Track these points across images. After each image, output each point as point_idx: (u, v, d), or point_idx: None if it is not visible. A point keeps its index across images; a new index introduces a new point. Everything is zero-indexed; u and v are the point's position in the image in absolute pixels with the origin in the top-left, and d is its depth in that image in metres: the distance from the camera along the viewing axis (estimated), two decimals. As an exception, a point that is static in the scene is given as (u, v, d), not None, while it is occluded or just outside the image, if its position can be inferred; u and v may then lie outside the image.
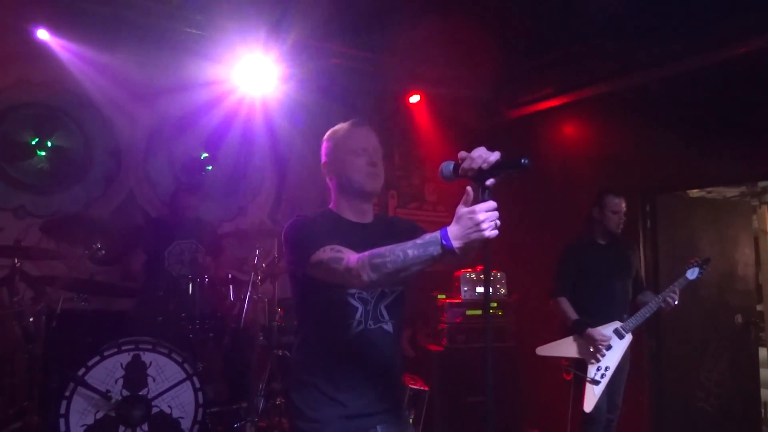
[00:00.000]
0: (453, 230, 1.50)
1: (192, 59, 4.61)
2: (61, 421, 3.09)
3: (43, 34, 4.11)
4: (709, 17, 3.73)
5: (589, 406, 3.48)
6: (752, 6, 3.56)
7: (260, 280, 4.09)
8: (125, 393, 3.25)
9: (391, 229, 1.97)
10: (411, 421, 3.79)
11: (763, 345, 5.23)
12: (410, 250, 1.57)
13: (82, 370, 3.17)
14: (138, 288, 4.17)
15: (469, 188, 1.51)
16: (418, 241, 1.57)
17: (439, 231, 1.53)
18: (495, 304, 4.78)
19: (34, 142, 4.35)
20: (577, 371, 3.57)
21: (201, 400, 3.43)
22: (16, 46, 4.25)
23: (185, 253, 4.24)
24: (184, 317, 3.82)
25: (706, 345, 4.57)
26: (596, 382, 3.51)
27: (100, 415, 3.18)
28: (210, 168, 4.95)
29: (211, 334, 3.93)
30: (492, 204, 1.48)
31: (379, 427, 1.90)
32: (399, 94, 5.40)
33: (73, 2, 4.03)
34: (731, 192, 5.82)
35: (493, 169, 1.48)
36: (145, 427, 3.26)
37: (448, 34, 4.16)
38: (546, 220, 5.12)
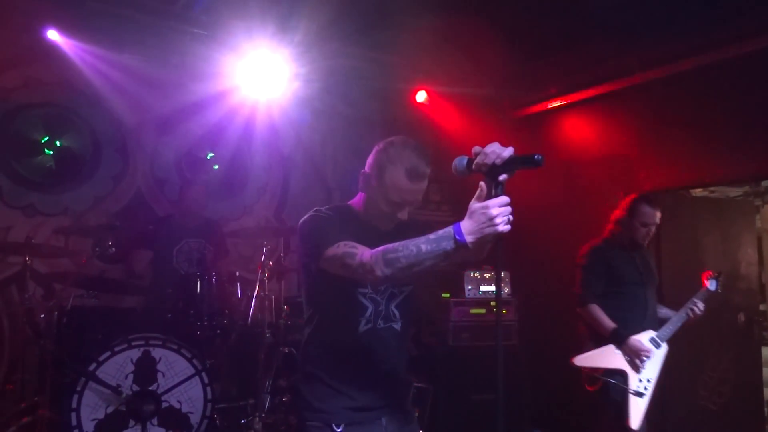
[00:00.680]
0: (466, 225, 1.53)
1: (199, 59, 4.65)
2: (73, 415, 3.12)
3: (53, 35, 4.15)
4: (712, 16, 3.76)
5: (636, 422, 3.19)
6: (755, 5, 3.59)
7: (267, 278, 4.12)
8: (135, 388, 3.29)
9: (406, 232, 1.98)
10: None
11: (766, 344, 5.25)
12: (423, 245, 1.60)
13: (93, 365, 3.21)
14: (146, 285, 4.20)
15: (482, 183, 1.53)
16: (431, 236, 1.60)
17: (452, 226, 1.56)
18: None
19: (43, 141, 4.39)
20: (619, 383, 3.26)
21: (210, 396, 3.47)
22: (27, 47, 4.30)
23: (193, 251, 4.28)
24: (192, 314, 3.85)
25: (710, 344, 4.60)
26: (640, 395, 3.25)
27: (110, 409, 3.22)
28: (217, 167, 4.98)
29: (218, 332, 3.96)
30: (505, 199, 1.50)
31: (383, 419, 1.95)
32: (404, 94, 5.43)
33: (82, 3, 4.07)
34: (734, 191, 5.85)
35: (506, 165, 1.49)
36: (155, 421, 3.30)
37: (454, 32, 4.20)
38: (549, 219, 5.14)
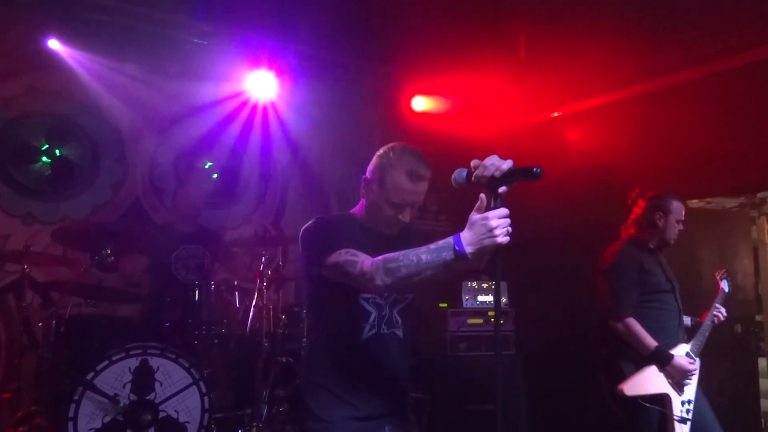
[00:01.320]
0: (466, 236, 1.55)
1: (198, 68, 4.69)
2: (70, 424, 3.10)
3: (54, 44, 4.18)
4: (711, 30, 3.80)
5: None
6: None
7: (265, 287, 4.13)
8: (133, 397, 3.28)
9: (409, 239, 1.97)
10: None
11: (763, 355, 5.26)
12: (423, 255, 1.62)
13: (91, 374, 3.19)
14: (145, 294, 4.20)
15: (482, 195, 1.56)
16: (432, 246, 1.62)
17: (452, 236, 1.58)
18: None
19: (43, 148, 4.41)
20: (663, 409, 2.95)
21: (207, 405, 3.46)
22: (28, 56, 4.31)
23: (191, 258, 4.28)
24: (190, 323, 3.85)
25: (706, 354, 4.60)
26: (685, 420, 2.95)
27: (108, 419, 3.20)
28: (215, 176, 4.99)
29: (216, 341, 3.96)
30: (504, 211, 1.52)
31: (387, 428, 1.96)
32: (402, 103, 5.45)
33: (83, 12, 4.11)
34: (731, 203, 5.88)
35: (506, 177, 1.52)
36: (153, 431, 3.28)
37: (452, 41, 4.23)
38: (547, 229, 5.15)
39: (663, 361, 2.98)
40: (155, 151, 4.94)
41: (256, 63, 4.67)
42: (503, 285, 4.94)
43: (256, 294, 4.10)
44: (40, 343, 3.57)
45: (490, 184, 1.54)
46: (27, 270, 3.62)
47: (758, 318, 5.35)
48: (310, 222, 1.97)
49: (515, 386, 4.71)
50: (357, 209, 2.06)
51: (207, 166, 5.12)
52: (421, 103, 5.42)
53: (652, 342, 2.98)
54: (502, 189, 1.54)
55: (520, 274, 4.99)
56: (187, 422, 3.39)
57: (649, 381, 2.98)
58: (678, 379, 3.00)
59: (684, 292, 3.80)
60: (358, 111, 5.38)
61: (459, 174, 1.61)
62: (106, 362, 3.24)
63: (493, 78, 4.85)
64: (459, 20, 4.07)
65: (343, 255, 1.78)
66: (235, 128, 5.06)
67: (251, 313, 4.09)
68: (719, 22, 3.73)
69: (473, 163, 1.58)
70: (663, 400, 2.96)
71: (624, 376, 3.00)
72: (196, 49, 4.55)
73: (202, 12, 4.25)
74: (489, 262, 1.74)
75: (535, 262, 5.07)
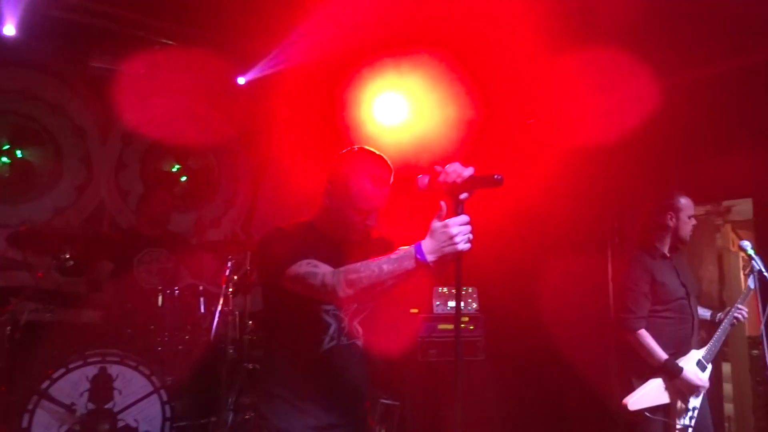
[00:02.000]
0: (427, 244, 1.53)
1: (165, 68, 4.59)
2: (24, 435, 3.00)
3: (18, 43, 4.04)
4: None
5: None
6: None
7: (232, 292, 4.05)
8: (90, 406, 3.18)
9: (369, 247, 1.95)
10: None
11: (726, 360, 5.34)
12: (385, 265, 1.59)
13: (46, 382, 3.09)
14: (106, 299, 4.08)
15: (442, 203, 1.54)
16: (393, 256, 1.59)
17: (413, 246, 1.56)
18: (466, 319, 4.81)
19: (5, 148, 4.28)
20: (667, 419, 2.93)
21: (168, 414, 3.37)
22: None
23: (154, 262, 4.18)
24: (153, 329, 3.75)
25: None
26: (688, 429, 2.96)
27: (63, 429, 3.10)
28: (185, 179, 4.91)
29: (180, 347, 3.86)
30: (465, 218, 1.51)
31: None
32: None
33: (49, 12, 3.99)
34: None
35: (467, 184, 1.51)
36: (111, 440, 3.19)
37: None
38: (517, 235, 5.17)
39: (672, 374, 2.96)
40: (122, 154, 4.83)
41: (223, 64, 4.60)
42: (474, 291, 4.94)
43: (221, 299, 4.01)
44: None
45: (452, 190, 1.52)
46: (-18, 274, 3.50)
47: (723, 324, 5.43)
48: (268, 232, 1.93)
49: (484, 392, 4.70)
50: (315, 217, 2.01)
51: (175, 169, 5.03)
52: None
53: (662, 354, 2.96)
54: (463, 196, 1.52)
55: (492, 279, 5.02)
56: (148, 431, 3.30)
57: (654, 394, 2.97)
58: (686, 393, 3.00)
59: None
60: (323, 111, 5.27)
61: (421, 180, 1.61)
62: (63, 370, 3.15)
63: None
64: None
65: (303, 266, 1.74)
66: (204, 131, 4.97)
67: (216, 319, 4.01)
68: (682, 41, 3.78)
69: (435, 168, 1.56)
70: (667, 409, 2.96)
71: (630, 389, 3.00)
72: (163, 49, 4.45)
73: (169, 11, 4.18)
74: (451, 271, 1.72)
75: (506, 267, 5.08)
